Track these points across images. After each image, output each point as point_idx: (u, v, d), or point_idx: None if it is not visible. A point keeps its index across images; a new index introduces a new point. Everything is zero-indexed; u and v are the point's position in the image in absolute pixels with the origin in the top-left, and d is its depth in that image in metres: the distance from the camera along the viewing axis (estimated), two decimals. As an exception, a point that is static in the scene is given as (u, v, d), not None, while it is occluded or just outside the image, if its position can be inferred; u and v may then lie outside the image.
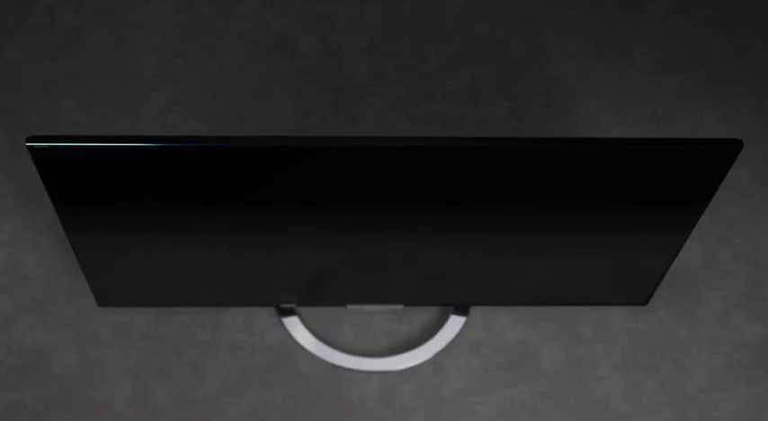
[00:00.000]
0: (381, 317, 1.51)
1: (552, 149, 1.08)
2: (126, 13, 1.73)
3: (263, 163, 1.09)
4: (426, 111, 1.66)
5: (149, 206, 1.17)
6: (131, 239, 1.24)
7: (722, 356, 1.49)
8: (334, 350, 1.47)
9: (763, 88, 1.70)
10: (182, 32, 1.72)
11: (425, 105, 1.66)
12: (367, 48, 1.71)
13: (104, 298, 1.39)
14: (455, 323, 1.49)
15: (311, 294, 1.40)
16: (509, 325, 1.50)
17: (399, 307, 1.46)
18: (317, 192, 1.15)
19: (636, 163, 1.11)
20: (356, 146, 1.07)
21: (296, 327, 1.48)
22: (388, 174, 1.12)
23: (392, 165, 1.10)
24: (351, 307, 1.45)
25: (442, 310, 1.52)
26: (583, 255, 1.30)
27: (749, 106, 1.69)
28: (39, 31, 1.71)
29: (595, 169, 1.11)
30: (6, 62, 1.69)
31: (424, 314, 1.51)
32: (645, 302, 1.44)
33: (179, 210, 1.18)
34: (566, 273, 1.35)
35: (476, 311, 1.52)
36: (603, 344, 1.49)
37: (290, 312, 1.50)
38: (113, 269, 1.31)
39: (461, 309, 1.50)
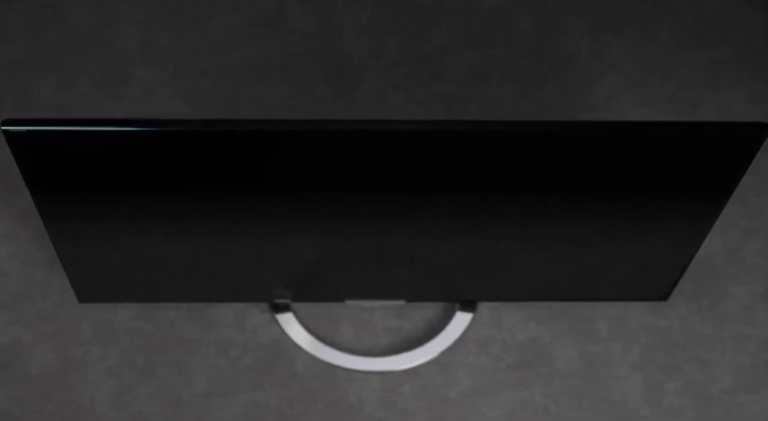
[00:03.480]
0: (382, 313, 1.51)
1: (565, 134, 1.08)
2: (109, -13, 1.72)
3: (255, 148, 1.09)
4: (430, 93, 1.66)
5: (133, 194, 1.16)
6: (114, 230, 1.24)
7: (748, 355, 1.49)
8: (332, 348, 1.48)
9: (790, 68, 1.73)
10: (167, 7, 1.72)
11: (429, 87, 1.66)
12: (367, 25, 1.70)
13: (85, 293, 1.39)
14: (461, 320, 1.49)
15: (307, 289, 1.40)
16: (519, 322, 1.50)
17: (401, 302, 1.47)
18: (314, 180, 1.14)
19: (654, 148, 1.10)
20: (355, 129, 1.07)
21: (290, 324, 1.49)
22: (389, 159, 1.11)
23: (393, 151, 1.10)
24: (349, 302, 1.45)
25: (447, 307, 1.52)
26: (598, 247, 1.29)
27: (776, 87, 1.70)
28: (12, 5, 1.70)
29: (611, 155, 1.11)
30: (-19, 39, 1.70)
31: (428, 310, 1.52)
32: (665, 298, 1.44)
33: (165, 199, 1.17)
34: (580, 267, 1.35)
35: (483, 307, 1.52)
36: (621, 342, 1.50)
37: (284, 308, 1.50)
38: (95, 262, 1.31)
39: (468, 305, 1.50)
